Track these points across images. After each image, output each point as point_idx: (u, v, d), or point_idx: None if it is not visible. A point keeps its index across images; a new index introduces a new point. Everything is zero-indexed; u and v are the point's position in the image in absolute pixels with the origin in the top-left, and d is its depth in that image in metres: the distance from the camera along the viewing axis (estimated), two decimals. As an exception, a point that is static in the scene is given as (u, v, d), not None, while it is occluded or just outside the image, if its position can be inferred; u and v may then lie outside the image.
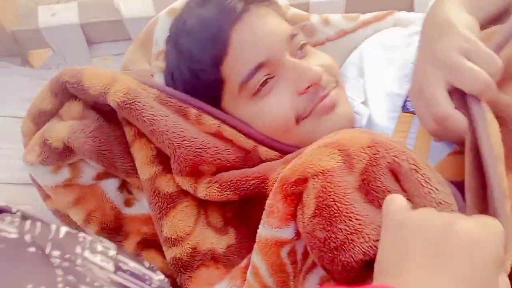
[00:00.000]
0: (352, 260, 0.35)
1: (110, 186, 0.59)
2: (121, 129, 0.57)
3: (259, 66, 0.53)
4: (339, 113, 0.56)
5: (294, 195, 0.40)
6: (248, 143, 0.54)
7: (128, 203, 0.60)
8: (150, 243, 0.57)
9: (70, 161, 0.55)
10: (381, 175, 0.38)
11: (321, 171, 0.38)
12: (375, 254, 0.33)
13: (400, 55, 0.64)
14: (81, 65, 0.72)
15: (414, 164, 0.37)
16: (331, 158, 0.39)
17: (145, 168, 0.54)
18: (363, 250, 0.34)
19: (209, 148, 0.52)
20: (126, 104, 0.52)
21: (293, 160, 0.41)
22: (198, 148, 0.52)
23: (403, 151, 0.38)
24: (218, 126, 0.55)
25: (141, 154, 0.54)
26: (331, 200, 0.36)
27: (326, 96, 0.54)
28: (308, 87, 0.53)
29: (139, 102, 0.53)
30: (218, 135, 0.55)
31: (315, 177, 0.38)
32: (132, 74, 0.61)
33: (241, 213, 0.56)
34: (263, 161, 0.54)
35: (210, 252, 0.52)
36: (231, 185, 0.50)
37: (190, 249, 0.52)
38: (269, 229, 0.41)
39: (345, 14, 0.74)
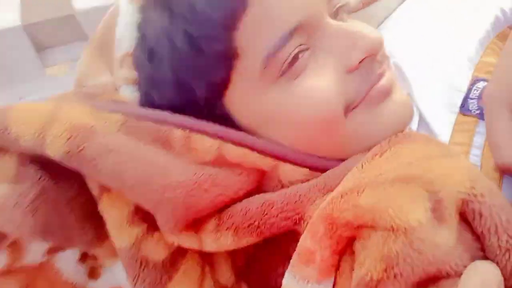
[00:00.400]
0: None
1: (67, 260, 0.45)
2: (76, 184, 0.42)
3: (293, 31, 0.37)
4: (397, 100, 0.41)
5: (346, 242, 0.32)
6: (265, 162, 0.40)
7: (93, 274, 0.47)
8: None
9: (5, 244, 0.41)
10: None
11: (404, 228, 0.29)
12: None
13: (464, 19, 0.50)
14: (33, 79, 0.55)
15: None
16: (418, 206, 0.29)
17: (123, 232, 0.40)
18: None
19: (206, 190, 0.38)
20: (71, 156, 0.37)
21: (348, 193, 0.32)
22: (190, 196, 0.37)
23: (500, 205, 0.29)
24: (218, 148, 0.40)
25: (114, 212, 0.40)
26: (412, 269, 0.28)
27: (383, 75, 0.40)
28: (362, 60, 0.38)
29: (89, 147, 0.38)
30: (218, 162, 0.40)
31: (391, 232, 0.29)
32: (83, 95, 0.47)
33: (255, 258, 0.43)
34: (283, 185, 0.40)
35: None
36: (253, 230, 0.37)
37: None
38: (303, 283, 0.33)
39: None
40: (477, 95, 0.43)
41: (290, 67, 0.38)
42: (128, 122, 0.41)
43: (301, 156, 0.40)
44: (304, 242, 0.33)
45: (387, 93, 0.40)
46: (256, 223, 0.37)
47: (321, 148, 0.40)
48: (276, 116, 0.40)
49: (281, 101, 0.39)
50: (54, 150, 0.38)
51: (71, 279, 0.44)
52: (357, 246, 0.31)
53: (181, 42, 0.40)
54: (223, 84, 0.40)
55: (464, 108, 0.44)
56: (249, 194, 0.40)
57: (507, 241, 0.28)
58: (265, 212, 0.37)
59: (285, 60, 0.38)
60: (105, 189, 0.40)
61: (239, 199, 0.39)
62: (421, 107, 0.48)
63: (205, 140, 0.40)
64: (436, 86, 0.46)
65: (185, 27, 0.40)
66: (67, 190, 0.41)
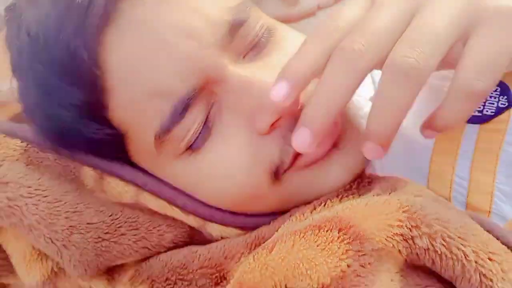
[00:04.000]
0: None
1: None
2: None
3: (188, 103, 0.29)
4: (347, 151, 0.31)
5: None
6: (190, 221, 0.34)
7: None
8: None
9: None
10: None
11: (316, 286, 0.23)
12: None
13: None
14: None
15: (484, 275, 0.21)
16: (330, 255, 0.23)
17: (32, 267, 0.34)
18: None
19: (123, 234, 0.32)
20: None
21: (259, 253, 0.26)
22: (102, 240, 0.32)
23: (464, 231, 0.23)
24: (136, 195, 0.34)
25: (19, 245, 0.35)
26: None
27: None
28: (275, 121, 0.29)
29: None
30: (139, 206, 0.34)
31: None
32: None
33: None
34: (214, 239, 0.34)
35: None
36: (169, 285, 0.32)
37: None
38: None
39: None
40: None
41: (192, 142, 0.31)
42: (30, 151, 0.35)
43: (228, 217, 0.34)
44: None
45: (328, 151, 0.31)
46: (174, 278, 0.31)
47: (250, 211, 0.33)
48: (190, 187, 0.33)
49: (189, 177, 0.32)
50: None
51: None
52: None
53: (49, 135, 0.33)
54: (122, 157, 0.33)
55: None
56: (178, 245, 0.34)
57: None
58: (185, 266, 0.31)
59: (184, 136, 0.30)
60: None
61: (165, 250, 0.34)
62: None
63: (120, 185, 0.34)
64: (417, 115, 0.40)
65: (43, 123, 0.33)
66: None
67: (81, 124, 0.30)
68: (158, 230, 0.33)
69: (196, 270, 0.31)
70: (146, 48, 0.28)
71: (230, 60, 0.30)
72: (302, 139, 0.25)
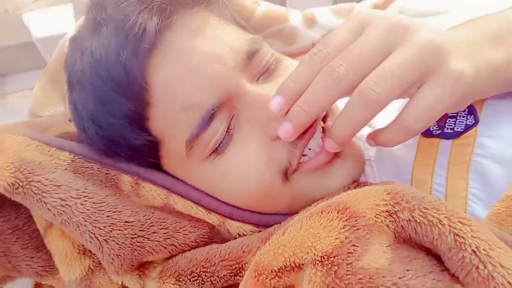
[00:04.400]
0: None
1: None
2: (23, 214, 0.41)
3: (213, 114, 0.36)
4: (344, 163, 0.39)
5: None
6: (211, 219, 0.39)
7: None
8: None
9: None
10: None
11: (320, 257, 0.27)
12: None
13: None
14: None
15: (456, 234, 0.25)
16: (331, 229, 0.28)
17: (72, 264, 0.39)
18: None
19: (154, 232, 0.37)
20: (17, 188, 0.36)
21: (273, 237, 0.31)
22: (137, 236, 0.37)
23: (438, 206, 0.27)
24: (166, 197, 0.39)
25: (63, 244, 0.39)
26: None
27: (312, 136, 0.37)
28: None
29: (38, 181, 0.36)
30: (167, 209, 0.40)
31: (312, 266, 0.27)
32: (33, 126, 0.45)
33: None
34: (233, 238, 0.40)
35: None
36: (194, 279, 0.36)
37: None
38: None
39: (335, 6, 0.56)
40: None
41: (216, 146, 0.37)
42: (76, 161, 0.40)
43: (246, 214, 0.39)
44: None
45: (330, 158, 0.38)
46: (198, 270, 0.36)
47: (265, 209, 0.40)
48: (214, 189, 0.39)
49: (214, 178, 0.38)
50: None
51: None
52: None
53: (100, 142, 0.39)
54: (154, 163, 0.40)
55: (425, 131, 0.41)
56: (200, 245, 0.39)
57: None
58: (208, 260, 0.36)
59: (210, 141, 0.36)
60: (52, 222, 0.39)
61: (189, 248, 0.39)
62: None
63: (153, 189, 0.39)
64: (395, 112, 0.47)
65: (94, 129, 0.39)
66: (13, 218, 0.40)
67: (127, 131, 0.37)
68: (184, 230, 0.39)
69: (218, 263, 0.35)
70: (182, 71, 0.35)
71: (247, 80, 0.37)
72: (285, 130, 0.33)
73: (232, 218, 0.39)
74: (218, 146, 0.37)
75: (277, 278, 0.29)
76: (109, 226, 0.36)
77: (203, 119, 0.35)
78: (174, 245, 0.38)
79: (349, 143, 0.32)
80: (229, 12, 0.42)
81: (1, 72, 0.70)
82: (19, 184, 0.36)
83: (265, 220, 0.39)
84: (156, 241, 0.37)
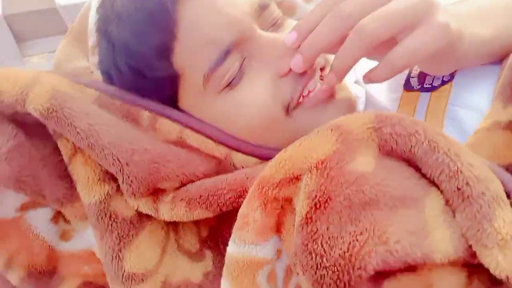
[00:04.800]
0: (363, 274, 0.27)
1: (40, 218, 0.47)
2: (50, 146, 0.45)
3: (228, 50, 0.42)
4: (339, 102, 0.45)
5: (278, 201, 0.33)
6: (219, 151, 0.44)
7: (65, 236, 0.49)
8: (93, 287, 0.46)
9: None
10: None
11: (315, 163, 0.31)
12: (395, 263, 0.26)
13: None
14: (10, 65, 0.58)
15: (430, 141, 0.29)
16: (326, 142, 0.31)
17: (93, 189, 0.43)
18: (381, 258, 0.26)
19: (168, 160, 0.42)
20: (51, 112, 0.40)
21: (277, 155, 0.34)
22: (154, 162, 0.41)
23: (416, 123, 0.31)
24: (180, 132, 0.45)
25: (86, 170, 0.43)
26: (328, 196, 0.29)
27: (313, 77, 0.44)
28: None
29: (69, 108, 0.41)
30: (180, 143, 0.44)
31: (308, 172, 0.31)
32: (62, 72, 0.50)
33: (218, 230, 0.46)
34: (237, 170, 0.44)
35: (185, 284, 0.43)
36: (202, 202, 0.41)
37: (160, 284, 0.42)
38: (242, 245, 0.33)
39: None
40: (417, 73, 0.47)
41: (230, 80, 0.43)
42: (102, 97, 0.45)
43: (251, 147, 0.45)
44: (242, 207, 0.35)
45: (327, 96, 0.43)
46: (206, 194, 0.40)
47: (269, 142, 0.45)
48: (225, 120, 0.45)
49: (226, 109, 0.44)
50: (36, 106, 0.40)
51: (42, 235, 0.46)
52: (294, 201, 0.33)
53: (127, 72, 0.45)
54: (172, 98, 0.46)
55: (407, 86, 0.47)
56: (207, 177, 0.43)
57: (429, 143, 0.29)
58: (215, 185, 0.41)
59: (225, 75, 0.42)
60: (77, 150, 0.43)
61: (198, 179, 0.43)
62: (368, 89, 0.53)
63: (169, 124, 0.45)
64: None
65: (126, 60, 0.44)
66: (41, 148, 0.44)
67: (154, 61, 0.42)
68: (194, 162, 0.43)
69: (224, 188, 0.40)
70: (206, 9, 0.41)
71: (259, 27, 0.43)
72: (296, 61, 0.39)
73: (238, 150, 0.44)
74: (232, 81, 0.43)
75: (277, 189, 0.32)
76: (130, 150, 0.40)
77: (220, 54, 0.41)
78: (185, 175, 0.42)
79: (346, 75, 0.39)
80: None
81: (23, 36, 0.74)
82: (53, 109, 0.40)
83: (267, 154, 0.44)
84: (170, 168, 0.41)
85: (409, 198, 0.29)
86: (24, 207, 0.46)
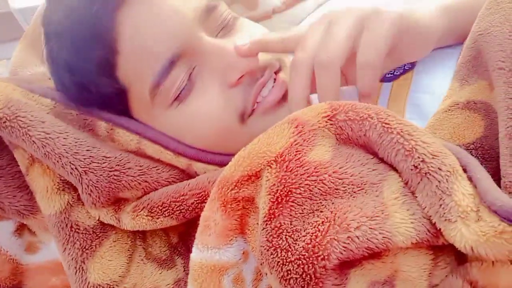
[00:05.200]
0: (327, 264, 0.27)
1: (1, 231, 0.46)
2: (6, 156, 0.44)
3: (173, 61, 0.40)
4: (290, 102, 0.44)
5: (238, 202, 0.32)
6: (179, 162, 0.43)
7: (31, 248, 0.48)
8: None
9: None
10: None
11: (274, 157, 0.30)
12: (358, 250, 0.26)
13: None
14: None
15: (384, 123, 0.29)
16: (283, 135, 0.31)
17: (53, 199, 0.42)
18: (343, 245, 0.26)
19: (129, 168, 0.41)
20: (5, 122, 0.39)
21: (236, 154, 0.33)
22: (114, 170, 0.40)
23: (368, 108, 0.31)
24: (138, 143, 0.43)
25: (44, 180, 0.42)
26: (289, 189, 0.29)
27: (266, 83, 0.42)
28: (241, 77, 0.41)
29: (24, 117, 0.40)
30: (140, 154, 0.43)
31: (268, 167, 0.30)
32: (17, 80, 0.47)
33: (188, 235, 0.44)
34: None
35: None
36: (164, 209, 0.40)
37: None
38: (205, 250, 0.32)
39: None
40: None
41: (178, 93, 0.41)
42: (57, 107, 0.44)
43: (210, 156, 0.43)
44: (204, 211, 0.34)
45: (279, 101, 0.42)
46: (168, 201, 0.39)
47: (227, 150, 0.43)
48: (180, 132, 0.43)
49: (179, 123, 0.42)
50: None
51: (5, 249, 0.45)
52: (257, 200, 0.32)
53: (73, 88, 0.43)
54: (124, 111, 0.43)
55: None
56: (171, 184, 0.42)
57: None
58: (178, 191, 0.40)
59: (171, 88, 0.40)
60: (35, 160, 0.42)
61: (161, 186, 0.42)
62: None
63: (126, 134, 0.43)
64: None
65: (69, 76, 0.42)
66: None
67: (98, 77, 0.40)
68: (157, 169, 0.42)
69: (186, 193, 0.39)
70: (146, 22, 0.39)
71: (206, 34, 0.41)
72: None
73: (198, 160, 0.43)
74: (180, 93, 0.41)
75: (236, 188, 0.31)
76: (88, 158, 0.40)
77: (163, 67, 0.39)
78: (148, 182, 0.41)
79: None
80: None
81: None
82: (6, 119, 0.39)
83: (227, 160, 0.42)
84: (131, 176, 0.40)
85: (367, 184, 0.29)
86: None
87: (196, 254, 0.32)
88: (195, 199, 0.39)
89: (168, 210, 0.39)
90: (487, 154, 0.32)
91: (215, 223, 0.32)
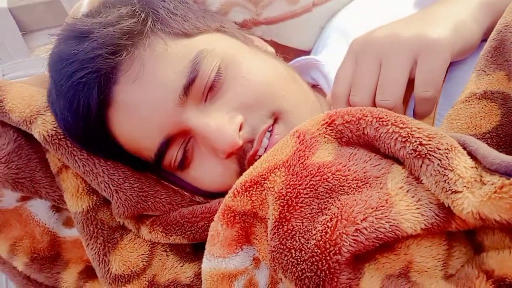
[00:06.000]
0: (339, 259, 0.27)
1: (40, 206, 0.49)
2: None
3: (165, 146, 0.42)
4: None
5: (240, 214, 0.33)
6: (197, 198, 0.46)
7: (68, 223, 0.51)
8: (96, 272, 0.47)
9: None
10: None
11: (281, 163, 0.32)
12: (368, 241, 0.26)
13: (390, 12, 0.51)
14: (17, 57, 0.59)
15: (378, 118, 0.31)
16: (286, 146, 0.33)
17: (81, 199, 0.45)
18: (352, 238, 0.27)
19: (158, 191, 0.44)
20: (54, 139, 0.43)
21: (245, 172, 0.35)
22: (143, 191, 0.44)
23: (362, 109, 0.32)
24: (158, 179, 0.47)
25: (75, 181, 0.45)
26: (297, 191, 0.30)
27: (258, 150, 0.42)
28: (229, 154, 0.41)
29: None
30: (162, 184, 0.46)
31: (272, 174, 0.32)
32: None
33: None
34: None
35: (173, 285, 0.43)
36: (178, 228, 0.43)
37: (147, 284, 0.43)
38: (213, 260, 0.34)
39: None
40: None
41: (177, 164, 0.43)
42: None
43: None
44: (213, 222, 0.35)
45: None
46: (182, 221, 0.42)
47: None
48: (191, 184, 0.46)
49: (188, 180, 0.45)
50: (42, 132, 0.43)
51: (43, 222, 0.48)
52: (260, 212, 0.33)
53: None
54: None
55: None
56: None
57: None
58: (192, 213, 0.42)
59: (171, 162, 0.43)
60: (63, 168, 0.45)
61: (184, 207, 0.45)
62: None
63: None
64: None
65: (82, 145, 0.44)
66: (38, 152, 0.46)
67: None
68: (182, 196, 0.45)
69: (199, 215, 0.42)
70: (131, 123, 0.41)
71: (193, 109, 0.41)
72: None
73: (213, 198, 0.45)
74: (181, 163, 0.43)
75: (234, 198, 0.33)
76: (122, 179, 0.43)
77: (156, 155, 0.42)
78: (172, 204, 0.44)
79: None
80: (173, 23, 0.43)
81: (29, 28, 0.75)
82: (57, 137, 0.43)
83: None
84: (158, 198, 0.44)
85: (371, 178, 0.29)
86: (24, 198, 0.48)
87: (206, 264, 0.34)
88: (205, 222, 0.41)
89: (181, 230, 0.42)
90: (502, 142, 0.32)
91: (218, 233, 0.33)
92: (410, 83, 0.37)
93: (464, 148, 0.28)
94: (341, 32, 0.56)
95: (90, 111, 0.40)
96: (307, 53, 0.61)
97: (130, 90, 0.40)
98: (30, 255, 0.47)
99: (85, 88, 0.39)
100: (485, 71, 0.35)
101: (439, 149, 0.27)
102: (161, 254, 0.45)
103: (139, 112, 0.40)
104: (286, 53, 0.59)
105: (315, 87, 0.55)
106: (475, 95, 0.35)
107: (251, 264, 0.34)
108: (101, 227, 0.45)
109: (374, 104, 0.38)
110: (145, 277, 0.43)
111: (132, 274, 0.43)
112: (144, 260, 0.44)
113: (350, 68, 0.40)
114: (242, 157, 0.41)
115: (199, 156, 0.43)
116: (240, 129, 0.41)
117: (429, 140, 0.28)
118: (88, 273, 0.48)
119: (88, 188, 0.45)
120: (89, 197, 0.45)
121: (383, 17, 0.49)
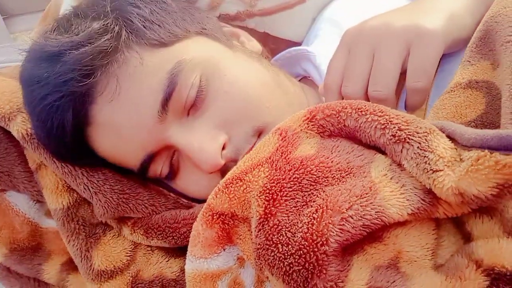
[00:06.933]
0: (327, 250, 0.26)
1: (19, 196, 0.47)
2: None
3: (148, 162, 0.41)
4: None
5: (218, 214, 0.32)
6: (184, 202, 0.45)
7: (51, 213, 0.48)
8: None
9: None
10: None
11: (261, 162, 0.31)
12: (354, 229, 0.26)
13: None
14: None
15: (357, 109, 0.31)
16: (268, 144, 0.33)
17: (61, 196, 0.44)
18: (339, 227, 0.26)
19: (140, 193, 0.43)
20: (33, 138, 0.42)
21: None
22: (124, 193, 0.42)
23: (342, 102, 0.32)
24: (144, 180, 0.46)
25: (54, 178, 0.44)
26: (281, 185, 0.30)
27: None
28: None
29: None
30: (146, 185, 0.45)
31: (256, 169, 0.31)
32: None
33: None
34: None
35: (158, 280, 0.42)
36: (159, 232, 0.42)
37: (131, 279, 0.42)
38: (195, 261, 0.33)
39: None
40: None
41: (164, 176, 0.43)
42: None
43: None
44: (193, 226, 0.34)
45: None
46: (164, 225, 0.41)
47: None
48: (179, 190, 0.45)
49: (176, 187, 0.44)
50: (20, 130, 0.42)
51: (23, 212, 0.47)
52: (239, 213, 0.32)
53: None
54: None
55: None
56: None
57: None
58: (175, 218, 0.41)
59: (157, 173, 0.42)
60: (41, 166, 0.44)
61: (167, 210, 0.44)
62: None
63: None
64: None
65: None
66: (18, 146, 0.45)
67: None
68: (165, 196, 0.44)
69: (181, 221, 0.40)
70: (112, 140, 0.40)
71: (175, 125, 0.40)
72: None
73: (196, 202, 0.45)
74: (167, 175, 0.43)
75: (215, 197, 0.32)
76: (102, 181, 0.42)
77: (140, 170, 0.42)
78: (155, 206, 0.43)
79: None
80: (149, 33, 0.40)
81: (12, 12, 0.73)
82: (34, 137, 0.42)
83: None
84: (140, 199, 0.42)
85: (354, 168, 0.30)
86: (2, 190, 0.47)
87: (188, 265, 0.33)
88: (188, 229, 0.40)
89: (162, 234, 0.41)
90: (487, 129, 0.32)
91: (199, 233, 0.33)
92: (403, 75, 0.37)
93: (443, 132, 0.28)
94: (333, 23, 0.55)
95: (65, 131, 0.39)
96: (299, 44, 0.60)
97: (108, 110, 0.38)
98: (9, 246, 0.46)
99: (58, 111, 0.38)
100: (469, 61, 0.36)
101: (417, 132, 0.28)
102: (146, 249, 0.44)
103: (120, 132, 0.39)
104: (278, 44, 0.58)
105: (306, 78, 0.55)
106: (460, 84, 0.35)
107: (235, 264, 0.33)
108: (83, 223, 0.43)
109: (366, 95, 0.38)
110: (129, 273, 0.42)
111: (116, 270, 0.42)
112: (128, 255, 0.43)
113: (342, 58, 0.40)
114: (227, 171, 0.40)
115: (184, 168, 0.43)
116: (223, 148, 0.40)
117: (407, 125, 0.28)
118: (71, 264, 0.46)
119: (68, 185, 0.44)
120: (69, 194, 0.44)
121: (376, 8, 0.47)
